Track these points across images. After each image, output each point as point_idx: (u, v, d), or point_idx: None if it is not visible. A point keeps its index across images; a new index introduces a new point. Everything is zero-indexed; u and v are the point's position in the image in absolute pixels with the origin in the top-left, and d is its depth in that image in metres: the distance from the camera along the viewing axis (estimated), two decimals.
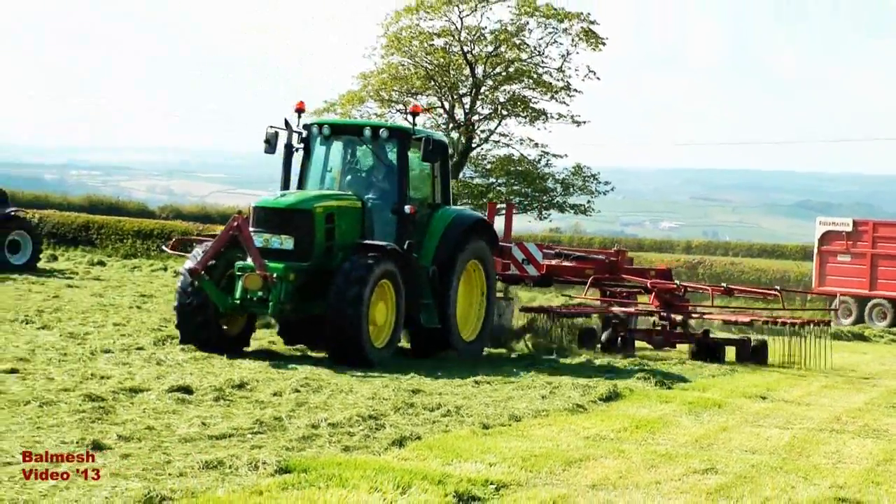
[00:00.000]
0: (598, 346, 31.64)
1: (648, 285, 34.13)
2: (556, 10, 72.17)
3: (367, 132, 26.04)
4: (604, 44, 74.20)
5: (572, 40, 73.87)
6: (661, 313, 32.83)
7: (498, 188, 74.52)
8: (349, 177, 27.06)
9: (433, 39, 74.07)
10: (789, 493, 14.15)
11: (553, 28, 73.64)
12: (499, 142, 76.00)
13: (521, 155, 75.12)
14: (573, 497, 13.15)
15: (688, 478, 14.66)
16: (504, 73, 74.58)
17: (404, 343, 28.56)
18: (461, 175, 74.30)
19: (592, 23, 73.40)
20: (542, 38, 74.23)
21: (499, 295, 32.87)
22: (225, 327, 25.51)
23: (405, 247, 25.28)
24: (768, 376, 28.04)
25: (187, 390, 19.28)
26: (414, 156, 27.13)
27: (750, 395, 23.32)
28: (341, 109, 75.73)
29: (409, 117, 27.03)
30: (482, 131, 75.31)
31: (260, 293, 23.59)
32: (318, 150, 26.97)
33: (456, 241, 26.30)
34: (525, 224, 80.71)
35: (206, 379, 20.63)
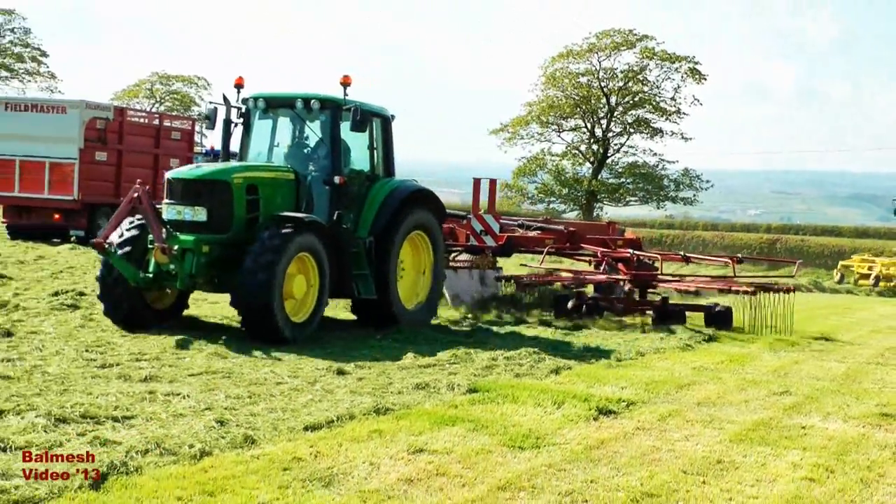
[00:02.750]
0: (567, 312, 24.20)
1: (598, 254, 27.41)
2: (669, 54, 74.25)
3: (300, 104, 19.90)
4: (705, 78, 75.35)
5: (682, 77, 74.80)
6: (627, 281, 25.74)
7: (626, 186, 75.66)
8: (288, 149, 20.86)
9: (578, 77, 75.19)
10: (845, 409, 14.03)
11: (667, 68, 74.79)
12: (627, 152, 76.90)
13: (644, 161, 76.06)
14: (683, 411, 13.12)
15: (769, 398, 14.54)
16: (631, 102, 75.73)
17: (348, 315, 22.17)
18: (599, 176, 75.14)
19: (697, 63, 74.40)
20: (659, 75, 75.34)
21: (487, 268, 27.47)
22: (154, 302, 19.11)
23: (334, 218, 19.49)
24: (824, 323, 27.42)
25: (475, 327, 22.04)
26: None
27: (815, 337, 22.88)
28: (512, 129, 76.85)
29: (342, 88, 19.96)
30: (615, 144, 76.26)
31: (172, 266, 17.78)
32: (258, 124, 20.89)
33: (394, 211, 20.40)
34: (646, 211, 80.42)
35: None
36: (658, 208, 77.57)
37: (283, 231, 17.67)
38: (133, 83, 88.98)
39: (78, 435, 10.24)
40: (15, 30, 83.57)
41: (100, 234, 18.34)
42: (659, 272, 26.49)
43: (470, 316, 23.86)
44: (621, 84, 74.84)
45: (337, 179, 19.44)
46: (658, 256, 27.48)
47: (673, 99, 74.83)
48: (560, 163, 78.02)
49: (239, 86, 20.71)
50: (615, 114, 75.80)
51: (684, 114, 75.02)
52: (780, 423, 12.83)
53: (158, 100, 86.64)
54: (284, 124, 21.04)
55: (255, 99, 20.35)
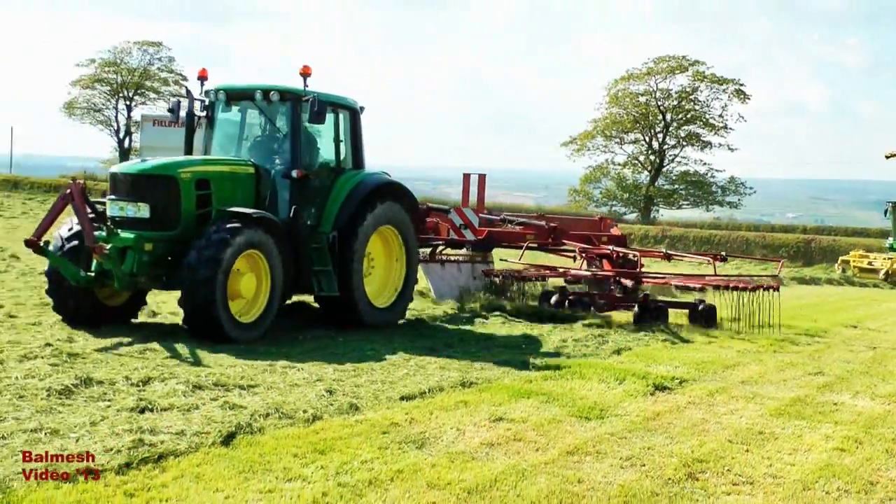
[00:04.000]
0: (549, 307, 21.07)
1: (578, 250, 24.26)
2: (717, 77, 73.95)
3: (259, 96, 16.63)
4: (749, 98, 74.80)
5: (728, 96, 74.42)
6: (613, 277, 22.13)
7: (679, 191, 75.61)
8: (250, 143, 17.64)
9: (638, 97, 75.15)
10: (872, 388, 13.81)
11: (716, 89, 74.49)
12: (680, 162, 76.77)
13: (695, 170, 75.86)
14: (729, 388, 13.03)
15: (804, 378, 14.38)
16: (684, 118, 75.47)
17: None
18: (656, 183, 74.98)
19: (741, 85, 74.07)
20: (708, 96, 75.18)
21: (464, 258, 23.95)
22: (108, 300, 16.07)
23: (291, 213, 16.45)
24: (853, 313, 26.88)
25: (485, 317, 19.80)
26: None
27: (846, 325, 22.59)
28: (579, 142, 77.06)
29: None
30: (670, 156, 76.05)
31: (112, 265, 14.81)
32: (221, 117, 17.69)
33: (359, 205, 17.15)
34: (696, 214, 79.92)
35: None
36: (707, 211, 77.53)
37: (229, 226, 14.75)
38: None
39: (211, 399, 10.41)
40: (161, 59, 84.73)
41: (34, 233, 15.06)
42: (638, 269, 22.37)
43: (453, 310, 20.55)
44: (675, 103, 74.97)
45: (294, 173, 16.35)
46: (637, 253, 23.77)
47: (720, 116, 75.04)
48: (622, 171, 78.25)
49: (202, 78, 17.73)
50: (670, 129, 75.92)
51: (730, 129, 75.19)
52: (815, 399, 12.70)
53: None
54: (246, 117, 17.71)
55: (216, 91, 17.35)
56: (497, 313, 20.19)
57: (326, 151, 17.89)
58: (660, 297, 21.84)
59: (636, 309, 20.21)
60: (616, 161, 78.48)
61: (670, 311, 20.54)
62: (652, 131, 76.58)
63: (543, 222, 24.94)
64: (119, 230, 15.07)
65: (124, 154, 79.95)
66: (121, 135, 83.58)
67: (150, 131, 40.18)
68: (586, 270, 23.22)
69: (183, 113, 17.63)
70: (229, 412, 9.87)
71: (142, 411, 9.79)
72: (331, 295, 16.71)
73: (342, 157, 17.89)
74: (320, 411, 10.24)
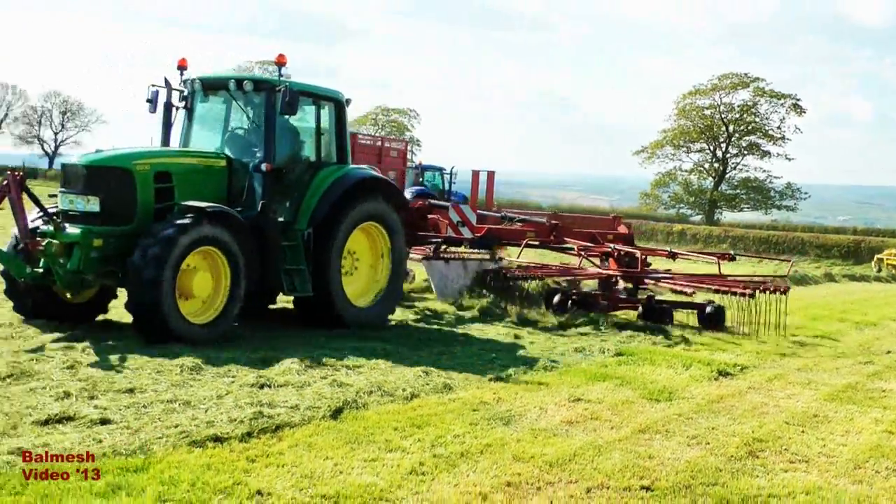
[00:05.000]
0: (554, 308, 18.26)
1: (577, 249, 20.69)
2: (776, 93, 72.89)
3: (233, 85, 14.33)
4: (804, 111, 73.66)
5: (786, 110, 73.32)
6: (617, 277, 19.49)
7: (741, 196, 74.91)
8: (228, 135, 15.09)
9: (704, 110, 74.46)
10: None
11: (774, 103, 73.57)
12: (742, 169, 75.88)
13: (755, 177, 74.90)
14: (786, 375, 12.91)
15: (855, 366, 14.19)
16: (745, 130, 74.58)
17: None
18: (719, 188, 74.31)
19: (798, 100, 72.93)
20: (767, 109, 74.19)
21: (482, 256, 20.81)
22: (70, 296, 13.71)
23: (259, 208, 13.99)
24: None
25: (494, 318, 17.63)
26: (301, 112, 15.05)
27: (893, 318, 22.18)
28: (650, 150, 76.68)
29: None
30: (732, 163, 75.23)
31: (61, 260, 12.63)
32: (199, 107, 15.27)
33: (337, 201, 14.65)
34: (756, 217, 78.93)
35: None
36: (765, 214, 76.76)
37: (178, 222, 12.46)
38: (362, 114, 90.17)
39: (321, 378, 10.49)
40: (281, 75, 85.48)
41: None
42: (639, 269, 19.30)
43: (454, 307, 18.07)
44: (738, 116, 74.32)
45: (263, 166, 13.99)
46: (638, 252, 20.12)
47: (778, 128, 74.20)
48: (688, 177, 77.67)
49: (182, 68, 15.18)
50: (732, 139, 75.27)
51: (787, 139, 74.17)
52: (865, 386, 12.49)
53: (380, 126, 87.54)
54: (223, 108, 15.21)
55: (193, 81, 14.98)
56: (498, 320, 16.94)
57: (310, 145, 15.43)
58: (665, 298, 19.19)
59: (640, 310, 17.87)
60: (683, 168, 78.04)
61: (680, 312, 18.22)
62: (716, 141, 75.99)
63: (545, 219, 22.13)
64: (68, 224, 12.83)
65: None
66: None
67: None
68: (577, 269, 19.94)
69: (161, 104, 15.04)
70: (337, 389, 9.95)
71: (261, 387, 9.92)
72: (303, 295, 14.34)
73: (325, 151, 15.34)
74: (418, 390, 10.29)
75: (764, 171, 75.66)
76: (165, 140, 15.11)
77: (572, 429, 9.14)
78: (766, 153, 74.70)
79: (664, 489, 7.46)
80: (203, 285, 12.83)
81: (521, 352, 13.36)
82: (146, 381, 9.90)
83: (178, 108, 15.10)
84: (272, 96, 14.05)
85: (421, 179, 44.26)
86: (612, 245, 20.35)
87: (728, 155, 75.92)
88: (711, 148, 76.65)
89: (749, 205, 76.04)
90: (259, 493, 6.76)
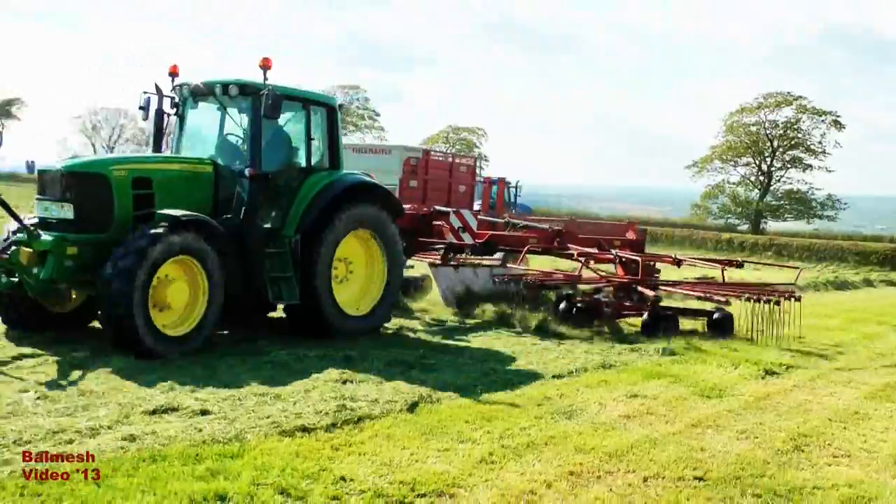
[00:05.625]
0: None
1: (576, 255, 18.19)
2: (817, 109, 72.02)
3: (219, 90, 13.02)
4: (844, 127, 72.62)
5: (826, 126, 72.30)
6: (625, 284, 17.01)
7: (785, 206, 74.07)
8: (217, 141, 13.76)
9: (750, 127, 73.75)
10: None
11: (816, 119, 72.62)
12: (785, 182, 74.86)
13: (798, 188, 73.90)
14: (828, 374, 12.72)
15: (893, 367, 13.86)
16: (788, 145, 73.59)
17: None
18: (764, 199, 73.52)
19: (838, 116, 72.07)
20: (809, 125, 73.09)
21: (491, 262, 18.69)
22: (56, 305, 12.53)
23: (241, 214, 12.73)
24: None
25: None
26: (292, 116, 13.88)
27: None
28: (700, 164, 76.19)
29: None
30: (776, 176, 74.33)
31: (35, 269, 11.23)
32: (189, 114, 13.86)
33: (326, 207, 13.22)
34: (799, 226, 77.75)
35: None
36: (808, 223, 75.64)
37: (152, 232, 11.11)
38: (434, 133, 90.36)
39: (399, 374, 10.55)
40: (359, 99, 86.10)
41: None
42: (640, 276, 16.83)
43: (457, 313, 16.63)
44: (781, 132, 73.33)
45: (247, 172, 12.68)
46: (638, 258, 17.52)
47: (819, 142, 73.01)
48: (735, 189, 76.72)
49: (173, 74, 13.80)
50: (776, 154, 74.26)
51: (828, 153, 73.04)
52: None
53: (451, 144, 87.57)
54: (212, 113, 13.78)
55: (181, 87, 13.64)
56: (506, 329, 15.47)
57: (301, 150, 13.93)
58: (672, 305, 16.89)
59: (644, 317, 15.78)
60: (731, 181, 77.11)
61: (690, 320, 16.29)
62: (761, 156, 75.02)
63: (547, 225, 20.25)
64: (44, 232, 11.55)
65: None
66: None
67: (350, 157, 40.82)
68: (573, 275, 17.31)
69: (152, 110, 13.84)
70: (413, 385, 9.96)
71: (344, 383, 9.97)
72: (290, 303, 12.92)
73: (317, 156, 13.93)
74: (487, 386, 10.28)
75: (806, 183, 74.69)
76: (157, 147, 13.99)
77: (629, 423, 9.07)
78: (808, 166, 73.67)
79: (715, 480, 7.38)
80: (179, 296, 11.49)
81: (577, 352, 13.24)
82: (241, 377, 10.03)
83: (169, 115, 13.89)
84: (258, 101, 12.64)
85: (489, 193, 44.14)
86: (613, 251, 18.37)
87: (772, 168, 74.94)
88: (757, 162, 75.71)
89: (792, 215, 75.07)
90: (342, 478, 6.79)
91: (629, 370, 11.86)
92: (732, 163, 76.63)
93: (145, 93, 13.71)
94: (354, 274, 14.20)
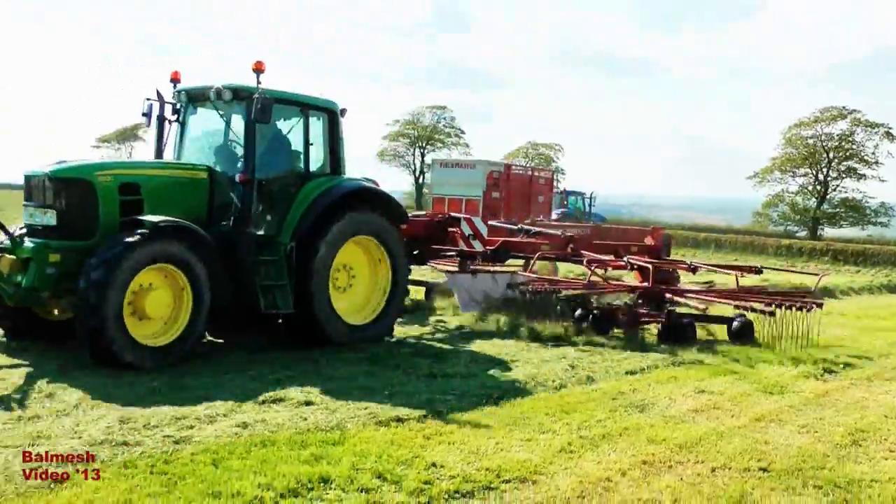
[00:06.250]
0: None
1: (585, 262, 15.93)
2: (871, 122, 70.21)
3: (213, 95, 11.68)
4: None
5: (879, 137, 70.47)
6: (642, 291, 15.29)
7: (840, 214, 72.44)
8: (215, 147, 12.45)
9: (807, 140, 72.30)
10: None
11: (869, 132, 70.84)
12: (841, 191, 73.08)
13: (853, 197, 72.04)
14: (883, 373, 12.28)
15: None
16: (843, 156, 71.86)
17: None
18: (821, 207, 71.99)
19: (890, 128, 70.25)
20: (863, 137, 71.27)
21: (511, 270, 17.23)
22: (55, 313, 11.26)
23: (230, 221, 11.47)
24: None
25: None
26: (288, 122, 12.48)
27: None
28: (761, 175, 74.93)
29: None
30: (832, 186, 72.64)
31: (19, 277, 10.13)
32: (189, 120, 12.63)
33: (323, 213, 11.84)
34: (854, 232, 75.86)
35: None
36: (862, 230, 73.91)
37: (127, 240, 9.81)
38: (514, 149, 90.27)
39: (484, 370, 10.50)
40: (445, 118, 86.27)
41: None
42: (650, 283, 15.21)
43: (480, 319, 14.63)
44: (836, 144, 71.72)
45: (238, 177, 11.40)
46: (649, 266, 15.60)
47: (873, 153, 71.26)
48: (794, 198, 75.24)
49: (175, 81, 12.61)
50: (832, 164, 72.59)
51: (881, 163, 71.27)
52: None
53: (530, 159, 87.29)
54: (210, 120, 12.42)
55: (179, 93, 12.48)
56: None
57: (314, 158, 12.61)
58: (689, 312, 14.76)
59: (661, 325, 13.99)
60: (790, 190, 75.65)
61: (710, 327, 14.52)
62: (818, 166, 73.41)
63: (560, 231, 18.27)
64: (28, 239, 10.44)
65: (419, 189, 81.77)
66: (416, 174, 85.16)
67: (438, 171, 41.17)
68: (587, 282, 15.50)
69: (154, 117, 12.63)
70: (498, 380, 9.93)
71: (434, 377, 9.97)
72: (284, 312, 11.44)
73: (318, 162, 12.59)
74: (565, 381, 10.19)
75: (860, 192, 72.93)
76: (159, 153, 12.70)
77: (698, 416, 8.91)
78: (862, 176, 71.93)
79: (779, 471, 7.21)
80: (160, 305, 10.21)
81: (648, 351, 13.01)
82: (341, 371, 10.10)
83: (171, 122, 12.63)
84: (251, 105, 11.32)
85: (566, 203, 44.03)
86: (625, 258, 16.48)
87: (829, 178, 73.32)
88: (814, 172, 74.15)
89: (847, 222, 73.41)
90: (434, 464, 6.79)
91: (697, 367, 11.63)
92: (791, 173, 75.14)
93: (148, 99, 12.50)
94: (357, 282, 12.74)
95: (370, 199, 12.62)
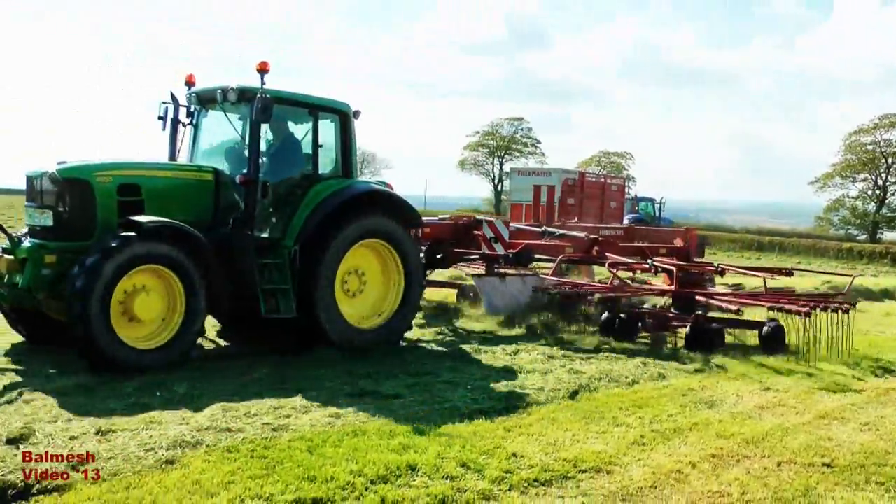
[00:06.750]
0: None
1: (608, 265, 15.23)
2: None
3: (219, 97, 10.81)
4: None
5: None
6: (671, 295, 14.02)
7: None
8: (224, 148, 11.54)
9: (867, 146, 70.25)
10: None
11: None
12: None
13: None
14: None
15: None
16: None
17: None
18: (881, 211, 69.83)
19: None
20: None
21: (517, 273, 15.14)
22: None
23: (231, 223, 10.49)
24: None
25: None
26: (300, 125, 11.57)
27: None
28: (822, 181, 73.10)
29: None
30: (892, 190, 70.47)
31: (17, 278, 9.56)
32: (202, 122, 11.72)
33: (329, 216, 10.81)
34: None
35: None
36: None
37: (106, 246, 9.02)
38: (587, 157, 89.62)
39: (560, 366, 10.36)
40: (523, 128, 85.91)
41: None
42: (674, 286, 14.04)
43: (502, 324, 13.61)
44: (895, 150, 69.64)
45: (238, 178, 10.50)
46: (672, 268, 14.31)
47: None
48: (854, 202, 73.22)
49: (189, 84, 11.73)
50: (891, 169, 70.44)
51: None
52: None
53: (602, 166, 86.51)
54: (220, 122, 11.26)
55: (190, 96, 11.65)
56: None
57: (324, 158, 11.57)
58: (717, 316, 13.39)
59: (688, 330, 12.45)
60: (850, 195, 73.77)
61: (738, 332, 13.15)
62: (877, 171, 71.41)
63: (584, 233, 17.04)
64: (27, 240, 9.83)
65: (497, 196, 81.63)
66: (495, 181, 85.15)
67: (516, 179, 41.13)
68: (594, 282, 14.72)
69: (169, 120, 11.75)
70: (574, 376, 9.79)
71: (513, 373, 9.89)
72: (286, 317, 10.44)
73: (329, 165, 11.58)
74: (637, 378, 10.01)
75: None
76: (172, 157, 11.74)
77: (764, 413, 8.69)
78: None
79: (842, 467, 6.98)
80: (150, 308, 9.39)
81: (669, 360, 12.56)
82: (427, 367, 10.07)
83: (184, 125, 11.78)
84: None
85: (637, 208, 43.55)
86: (649, 261, 14.93)
87: (888, 183, 71.30)
88: (873, 177, 72.15)
89: None
90: (514, 455, 6.73)
91: (762, 366, 11.26)
92: (851, 178, 73.16)
93: (164, 102, 11.68)
94: (369, 287, 11.62)
95: (381, 202, 11.56)
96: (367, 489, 5.83)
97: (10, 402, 7.80)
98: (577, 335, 12.81)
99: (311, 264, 10.68)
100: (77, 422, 7.09)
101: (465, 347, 11.39)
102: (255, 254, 10.42)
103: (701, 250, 18.15)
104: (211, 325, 11.72)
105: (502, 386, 9.11)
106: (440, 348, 11.40)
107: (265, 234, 10.81)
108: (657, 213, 44.05)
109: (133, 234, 9.19)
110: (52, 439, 6.56)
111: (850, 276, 16.20)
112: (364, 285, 11.53)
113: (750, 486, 6.38)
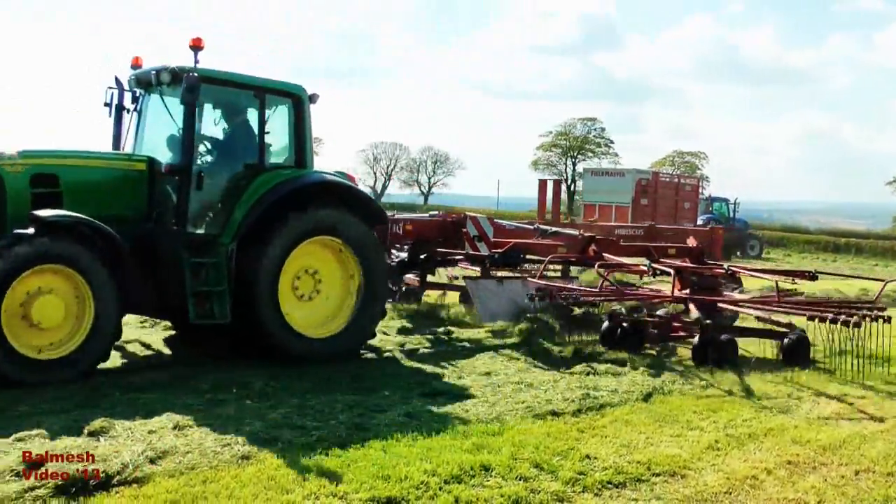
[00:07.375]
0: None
1: (595, 269, 13.27)
2: None
3: (153, 79, 9.47)
4: None
5: None
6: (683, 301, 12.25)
7: None
8: (165, 135, 9.90)
9: None
10: None
11: None
12: None
13: None
14: None
15: None
16: None
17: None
18: None
19: None
20: None
21: (551, 274, 14.76)
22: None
23: (153, 217, 9.44)
24: None
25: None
26: (247, 109, 10.21)
27: None
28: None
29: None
30: None
31: None
32: (146, 108, 10.29)
33: (269, 210, 9.43)
34: None
35: None
36: None
37: (2, 241, 8.07)
38: (661, 157, 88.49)
39: (633, 369, 10.24)
40: (595, 129, 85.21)
41: None
42: (673, 290, 12.37)
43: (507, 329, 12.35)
44: None
45: (163, 167, 9.33)
46: (671, 270, 12.58)
47: None
48: None
49: (135, 66, 10.28)
50: None
51: None
52: None
53: (676, 167, 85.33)
54: (162, 107, 9.67)
55: (130, 79, 10.30)
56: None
57: (277, 147, 10.33)
58: (730, 325, 11.97)
59: (696, 341, 10.82)
60: None
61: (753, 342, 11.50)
62: None
63: (578, 232, 15.48)
64: None
65: (570, 197, 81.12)
66: (568, 182, 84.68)
67: (589, 179, 40.93)
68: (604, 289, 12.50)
69: (113, 106, 10.46)
70: (648, 378, 9.67)
71: (587, 375, 9.81)
72: (219, 322, 9.21)
73: (285, 154, 10.32)
74: (712, 381, 9.85)
75: None
76: (116, 146, 10.50)
77: (841, 420, 8.47)
78: None
79: None
80: (52, 313, 8.28)
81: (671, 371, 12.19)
82: (498, 367, 10.09)
83: (128, 111, 10.50)
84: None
85: (710, 209, 42.87)
86: (647, 263, 13.28)
87: None
88: None
89: None
90: (587, 456, 6.69)
91: (840, 372, 10.87)
92: None
93: (109, 88, 10.40)
94: (326, 289, 10.26)
95: (335, 195, 10.21)
96: (440, 489, 5.86)
97: (86, 396, 7.91)
98: None
99: (251, 264, 9.44)
100: (155, 417, 7.23)
101: (537, 349, 11.32)
102: (187, 252, 9.24)
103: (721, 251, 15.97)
104: None
105: (576, 387, 9.05)
106: (506, 351, 11.34)
107: (201, 231, 9.62)
108: (731, 214, 43.25)
109: (29, 230, 8.18)
110: (132, 433, 6.72)
111: (882, 280, 13.85)
112: (319, 287, 10.20)
113: (827, 495, 6.24)
